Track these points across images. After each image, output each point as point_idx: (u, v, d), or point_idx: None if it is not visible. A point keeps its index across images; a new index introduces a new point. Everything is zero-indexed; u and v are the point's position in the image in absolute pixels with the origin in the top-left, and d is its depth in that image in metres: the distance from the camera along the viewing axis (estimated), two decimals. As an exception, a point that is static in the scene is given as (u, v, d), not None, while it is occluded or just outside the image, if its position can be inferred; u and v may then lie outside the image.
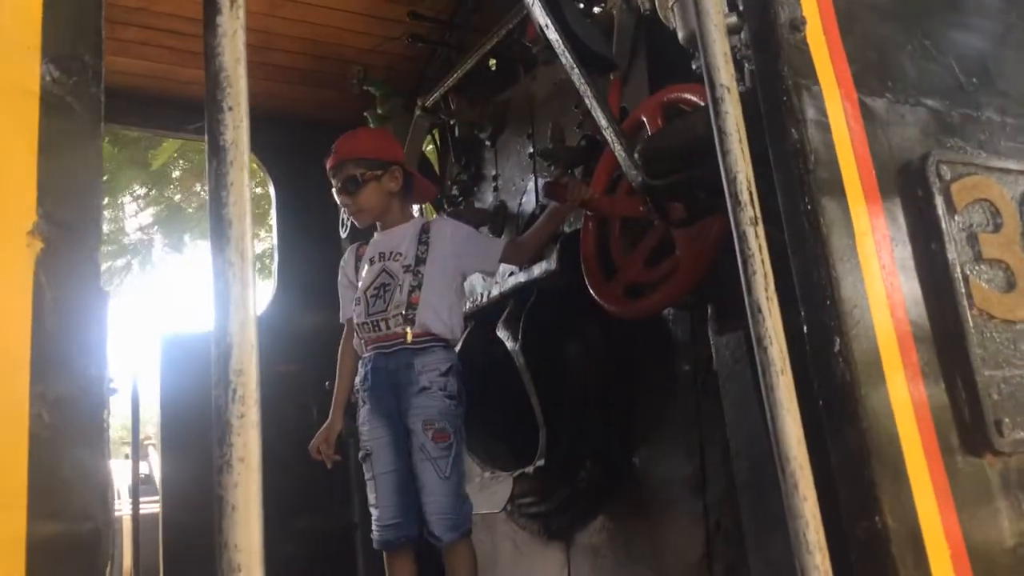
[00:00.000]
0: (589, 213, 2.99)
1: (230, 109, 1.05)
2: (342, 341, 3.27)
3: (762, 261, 1.45)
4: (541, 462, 3.18)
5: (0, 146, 0.90)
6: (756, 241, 1.45)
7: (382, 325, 3.00)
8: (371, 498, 3.02)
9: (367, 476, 3.03)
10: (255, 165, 5.70)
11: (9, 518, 0.85)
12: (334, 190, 3.21)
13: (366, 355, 3.07)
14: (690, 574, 2.84)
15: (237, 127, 1.05)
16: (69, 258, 0.91)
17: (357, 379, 3.12)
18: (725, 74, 1.50)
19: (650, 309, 2.64)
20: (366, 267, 3.14)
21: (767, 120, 1.60)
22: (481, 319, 3.58)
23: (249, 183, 1.04)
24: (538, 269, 3.25)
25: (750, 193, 1.46)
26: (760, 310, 1.44)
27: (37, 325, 0.87)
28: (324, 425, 3.21)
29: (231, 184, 1.03)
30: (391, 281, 3.03)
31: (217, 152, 1.04)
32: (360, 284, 3.14)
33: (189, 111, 4.67)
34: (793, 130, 1.56)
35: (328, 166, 3.19)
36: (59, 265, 0.90)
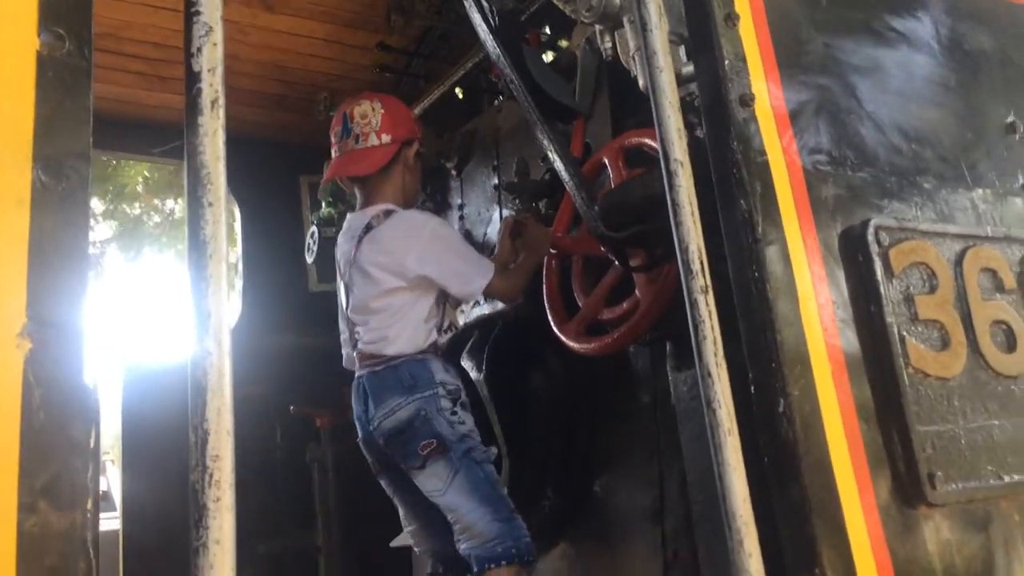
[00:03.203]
0: (552, 250, 3.07)
1: (210, 205, 1.11)
2: None
3: (712, 327, 1.54)
4: (504, 490, 3.25)
5: (-7, 254, 0.95)
6: (707, 308, 1.54)
7: None
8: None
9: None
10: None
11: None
12: None
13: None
14: (648, 602, 2.93)
15: (216, 222, 1.11)
16: (56, 356, 0.97)
17: (452, 378, 2.85)
18: (679, 149, 1.59)
19: (610, 348, 2.72)
20: None
21: (718, 189, 1.69)
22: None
23: (228, 275, 1.10)
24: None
25: (701, 263, 1.55)
26: (710, 374, 1.53)
27: (26, 423, 0.93)
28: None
29: (211, 277, 1.09)
30: None
31: (198, 246, 1.10)
32: None
33: (156, 135, 4.70)
34: (742, 201, 1.65)
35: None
36: (46, 363, 0.96)
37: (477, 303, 3.47)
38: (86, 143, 1.05)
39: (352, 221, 3.02)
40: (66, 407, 0.96)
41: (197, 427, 1.05)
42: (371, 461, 2.96)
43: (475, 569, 2.65)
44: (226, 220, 1.12)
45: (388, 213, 2.89)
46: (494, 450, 2.81)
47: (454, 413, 2.74)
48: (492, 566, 2.61)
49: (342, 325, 3.05)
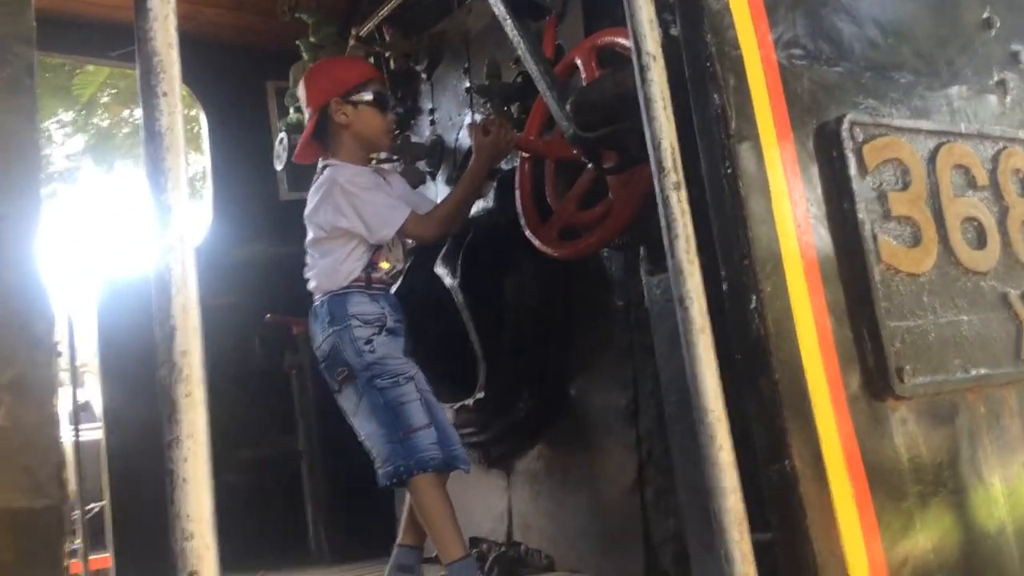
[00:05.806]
0: (525, 154, 3.02)
1: (164, 95, 1.07)
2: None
3: (684, 225, 1.52)
4: (481, 395, 3.28)
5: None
6: (679, 205, 1.53)
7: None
8: (422, 419, 2.91)
9: (413, 397, 2.94)
10: (184, 92, 5.53)
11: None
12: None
13: (382, 288, 3.07)
14: (623, 499, 2.99)
15: (172, 113, 1.07)
16: (10, 245, 0.94)
17: (375, 308, 3.01)
18: (651, 42, 1.55)
19: (583, 251, 2.72)
20: None
21: (691, 84, 1.66)
22: (420, 256, 3.62)
23: (187, 168, 1.07)
24: (476, 206, 3.29)
25: (674, 160, 1.53)
26: (682, 271, 1.52)
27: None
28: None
29: (169, 170, 1.06)
30: None
31: (153, 138, 1.06)
32: None
33: (115, 37, 4.52)
34: (715, 96, 1.62)
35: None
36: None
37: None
38: (28, 26, 0.99)
39: None
40: (24, 297, 0.94)
41: (164, 323, 1.04)
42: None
43: (379, 485, 2.92)
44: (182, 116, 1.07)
45: (324, 169, 3.10)
46: (410, 371, 2.96)
47: (368, 342, 2.94)
48: (389, 482, 2.88)
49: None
